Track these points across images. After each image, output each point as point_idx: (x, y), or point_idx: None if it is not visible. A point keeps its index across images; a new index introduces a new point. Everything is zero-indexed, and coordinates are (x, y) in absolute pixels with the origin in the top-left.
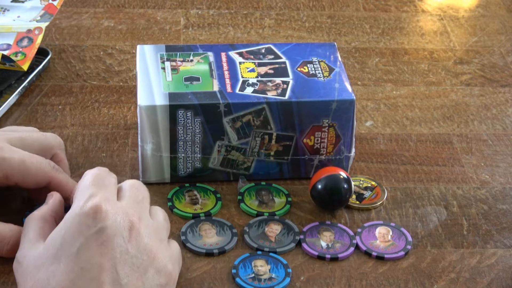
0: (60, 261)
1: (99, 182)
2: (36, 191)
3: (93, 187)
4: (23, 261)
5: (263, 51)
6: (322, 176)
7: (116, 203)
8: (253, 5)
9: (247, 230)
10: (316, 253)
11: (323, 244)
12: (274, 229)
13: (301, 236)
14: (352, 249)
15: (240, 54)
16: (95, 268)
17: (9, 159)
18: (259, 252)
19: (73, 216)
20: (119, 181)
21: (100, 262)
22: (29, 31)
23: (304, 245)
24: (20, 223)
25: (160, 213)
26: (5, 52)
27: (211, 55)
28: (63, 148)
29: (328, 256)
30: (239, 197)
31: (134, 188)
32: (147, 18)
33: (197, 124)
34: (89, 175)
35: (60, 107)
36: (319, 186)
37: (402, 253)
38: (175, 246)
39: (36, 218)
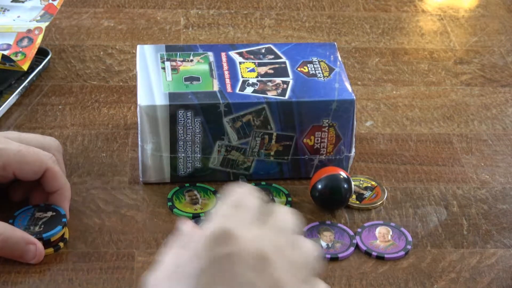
0: (176, 282)
1: (239, 203)
2: (35, 193)
3: (231, 209)
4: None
5: (263, 51)
6: (322, 176)
7: (251, 229)
8: (253, 5)
9: None
10: None
11: (323, 244)
12: None
13: None
14: (352, 249)
15: (240, 54)
16: None
17: (6, 149)
18: None
19: (200, 237)
20: (120, 181)
21: (218, 286)
22: (29, 31)
23: None
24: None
25: (309, 247)
26: (5, 52)
27: (211, 55)
28: (60, 151)
29: (328, 256)
30: None
31: (282, 214)
32: (147, 18)
33: (197, 124)
34: (230, 195)
35: (60, 107)
36: (319, 186)
37: (402, 253)
38: None
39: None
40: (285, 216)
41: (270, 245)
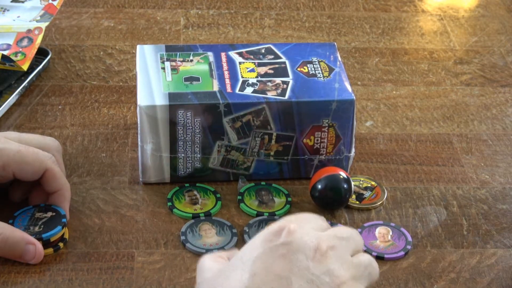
0: (235, 269)
1: (300, 218)
2: (35, 193)
3: (292, 217)
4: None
5: (263, 51)
6: (322, 176)
7: (310, 229)
8: (253, 5)
9: (247, 230)
10: None
11: None
12: None
13: None
14: None
15: (240, 54)
16: (267, 276)
17: (6, 149)
18: None
19: (259, 235)
20: (120, 181)
21: (275, 271)
22: (29, 31)
23: None
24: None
25: (364, 259)
26: (5, 52)
27: (211, 55)
28: (60, 151)
29: None
30: (239, 197)
31: (345, 229)
32: (147, 18)
33: (197, 124)
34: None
35: (60, 107)
36: (319, 186)
37: (402, 253)
38: None
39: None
40: (347, 230)
41: (328, 242)
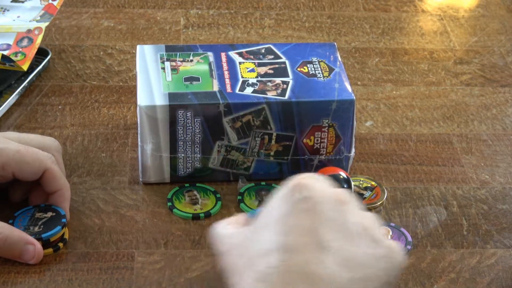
0: (262, 231)
1: (310, 175)
2: (35, 193)
3: (303, 174)
4: (223, 240)
5: (263, 51)
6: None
7: (327, 185)
8: (253, 5)
9: None
10: None
11: None
12: None
13: None
14: None
15: (240, 54)
16: (296, 231)
17: (5, 149)
18: None
19: (276, 196)
20: (120, 181)
21: (303, 225)
22: (29, 31)
23: None
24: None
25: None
26: (5, 52)
27: (211, 55)
28: (60, 151)
29: None
30: (239, 197)
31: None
32: (147, 18)
33: (197, 124)
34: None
35: (60, 107)
36: None
37: None
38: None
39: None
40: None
41: (347, 196)
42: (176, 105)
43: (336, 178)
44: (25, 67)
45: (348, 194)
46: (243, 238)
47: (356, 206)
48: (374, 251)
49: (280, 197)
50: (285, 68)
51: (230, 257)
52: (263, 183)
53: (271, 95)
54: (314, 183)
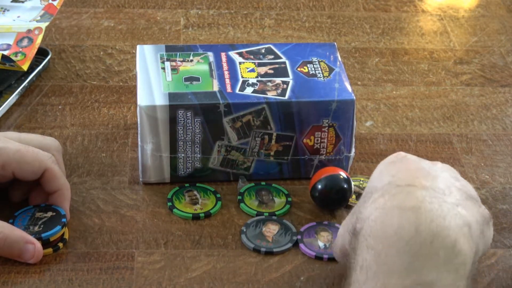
0: (371, 184)
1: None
2: (35, 193)
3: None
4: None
5: (263, 51)
6: (322, 176)
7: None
8: (253, 5)
9: (245, 230)
10: (314, 254)
11: (321, 244)
12: (271, 229)
13: (299, 237)
14: None
15: (240, 54)
16: (403, 171)
17: (5, 148)
18: (262, 249)
19: (378, 169)
20: (120, 181)
21: (409, 166)
22: (29, 31)
23: (301, 245)
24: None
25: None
26: (5, 52)
27: (211, 55)
28: (60, 151)
29: (325, 256)
30: (239, 197)
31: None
32: (147, 18)
33: (197, 124)
34: None
35: (60, 107)
36: (319, 186)
37: None
38: None
39: None
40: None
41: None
42: (176, 105)
43: (336, 178)
44: (25, 67)
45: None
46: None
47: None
48: (479, 209)
49: (384, 165)
50: (285, 68)
51: (348, 218)
52: (263, 183)
53: (271, 95)
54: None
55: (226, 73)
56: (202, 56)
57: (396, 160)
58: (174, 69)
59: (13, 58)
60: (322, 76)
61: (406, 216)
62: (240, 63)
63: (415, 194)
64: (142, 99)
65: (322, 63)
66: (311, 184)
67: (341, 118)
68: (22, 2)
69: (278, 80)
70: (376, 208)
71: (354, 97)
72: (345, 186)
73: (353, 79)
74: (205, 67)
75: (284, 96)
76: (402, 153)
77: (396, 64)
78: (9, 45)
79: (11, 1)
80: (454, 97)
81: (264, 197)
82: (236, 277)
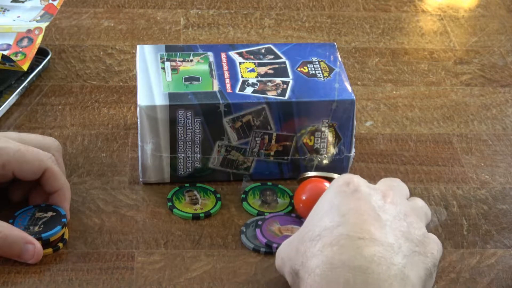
0: (322, 216)
1: (352, 175)
2: (35, 193)
3: (347, 174)
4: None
5: (263, 51)
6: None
7: (368, 184)
8: (253, 5)
9: (244, 230)
10: None
11: None
12: None
13: None
14: None
15: (240, 54)
16: (356, 213)
17: (5, 148)
18: (262, 249)
19: (327, 191)
20: (120, 181)
21: (361, 208)
22: (29, 31)
23: None
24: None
25: (419, 201)
26: (5, 52)
27: (211, 55)
28: (60, 151)
29: None
30: (243, 196)
31: (389, 179)
32: (147, 18)
33: (197, 124)
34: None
35: (60, 107)
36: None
37: None
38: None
39: None
40: (389, 179)
41: (388, 191)
42: (176, 105)
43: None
44: (25, 67)
45: (390, 188)
46: (298, 233)
47: (402, 202)
48: (421, 232)
49: (334, 191)
50: (285, 68)
51: (290, 246)
52: (269, 183)
53: (271, 95)
54: (360, 181)
55: (226, 73)
56: (202, 56)
57: (348, 192)
58: (174, 69)
59: (13, 58)
60: (322, 76)
61: (353, 277)
62: (240, 63)
63: (364, 252)
64: (142, 99)
65: (322, 63)
66: (297, 197)
67: (341, 118)
68: (22, 2)
69: (278, 80)
70: (323, 261)
71: (354, 97)
72: None
73: (353, 79)
74: (205, 67)
75: (284, 96)
76: (353, 181)
77: (396, 64)
78: (9, 45)
79: (11, 1)
80: (454, 97)
81: (268, 197)
82: (236, 277)
